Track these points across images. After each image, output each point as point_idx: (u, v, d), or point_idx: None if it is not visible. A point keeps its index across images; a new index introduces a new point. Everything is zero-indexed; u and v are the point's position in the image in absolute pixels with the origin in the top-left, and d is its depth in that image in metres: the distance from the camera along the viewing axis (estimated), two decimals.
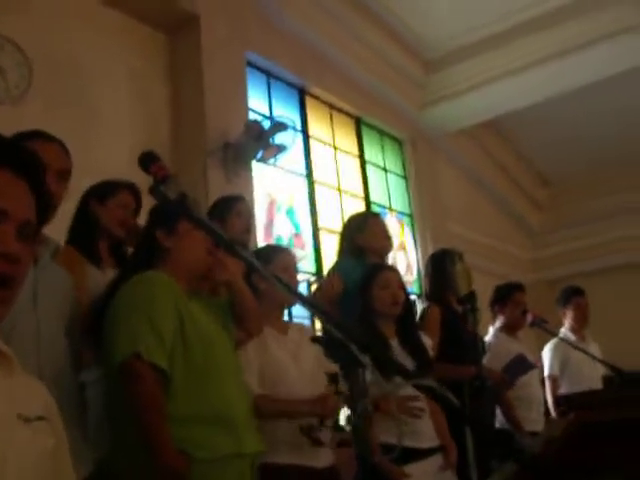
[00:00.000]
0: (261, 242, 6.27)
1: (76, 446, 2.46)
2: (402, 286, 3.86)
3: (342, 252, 4.62)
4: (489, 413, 3.81)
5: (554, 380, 5.81)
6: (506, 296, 5.34)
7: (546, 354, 5.87)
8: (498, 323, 5.34)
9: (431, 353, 3.92)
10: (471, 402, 3.79)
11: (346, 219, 4.96)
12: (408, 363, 3.66)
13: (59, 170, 2.61)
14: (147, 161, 2.06)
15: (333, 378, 1.86)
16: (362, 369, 1.42)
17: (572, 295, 6.11)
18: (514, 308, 5.28)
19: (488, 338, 5.15)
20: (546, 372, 5.81)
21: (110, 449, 2.60)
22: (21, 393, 1.42)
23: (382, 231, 4.57)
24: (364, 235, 4.46)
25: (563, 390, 5.82)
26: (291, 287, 1.55)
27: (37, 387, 1.53)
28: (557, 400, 5.74)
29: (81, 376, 2.72)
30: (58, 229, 2.89)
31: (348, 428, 3.10)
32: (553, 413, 5.88)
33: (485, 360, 4.37)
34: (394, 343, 3.74)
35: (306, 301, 1.55)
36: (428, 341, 3.96)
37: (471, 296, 3.64)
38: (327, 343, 1.42)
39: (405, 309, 3.84)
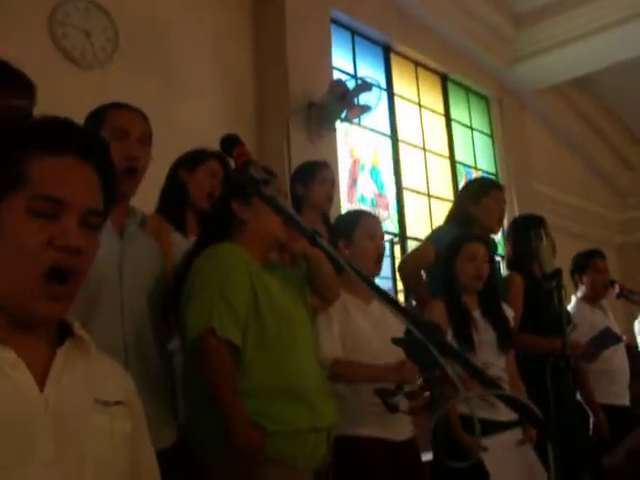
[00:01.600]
0: (344, 202, 6.25)
1: (162, 414, 2.52)
2: (488, 259, 3.78)
3: (451, 218, 4.51)
4: (572, 395, 3.73)
5: None
6: (585, 264, 5.18)
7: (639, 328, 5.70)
8: (580, 293, 5.19)
9: (512, 324, 3.85)
10: (552, 382, 3.72)
11: (467, 181, 4.80)
12: (490, 335, 3.62)
13: (140, 135, 2.61)
14: (229, 144, 2.05)
15: (398, 342, 1.83)
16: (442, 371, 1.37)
17: None
18: (594, 275, 5.13)
19: (570, 308, 5.01)
20: None
21: (188, 418, 2.64)
22: (99, 378, 1.44)
23: (499, 209, 4.41)
24: (479, 206, 4.32)
25: None
26: (368, 279, 1.51)
27: (116, 371, 1.56)
28: None
29: (170, 345, 2.75)
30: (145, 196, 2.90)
31: (425, 396, 3.08)
32: None
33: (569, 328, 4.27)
34: (476, 314, 3.69)
35: (383, 297, 1.50)
36: (510, 312, 3.89)
37: (557, 273, 3.53)
38: (408, 344, 1.38)
39: (489, 281, 3.76)
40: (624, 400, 4.95)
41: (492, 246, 4.34)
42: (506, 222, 8.55)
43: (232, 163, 2.12)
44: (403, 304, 3.46)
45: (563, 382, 3.50)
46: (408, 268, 4.27)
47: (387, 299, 1.51)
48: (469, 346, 3.50)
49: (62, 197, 1.32)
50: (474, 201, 4.34)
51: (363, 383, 3.05)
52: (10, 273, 1.31)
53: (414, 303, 4.28)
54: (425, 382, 2.79)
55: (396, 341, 1.54)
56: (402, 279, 4.38)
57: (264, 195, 1.80)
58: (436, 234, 4.45)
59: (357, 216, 3.50)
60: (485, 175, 8.67)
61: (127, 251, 2.52)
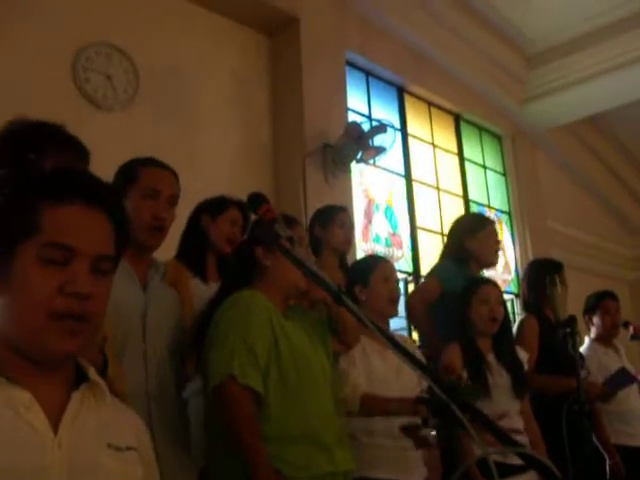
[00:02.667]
0: (359, 241, 6.31)
1: (182, 459, 2.58)
2: (502, 302, 3.83)
3: (446, 253, 4.52)
4: (588, 438, 3.74)
5: None
6: (596, 305, 5.19)
7: None
8: (592, 334, 5.21)
9: (526, 367, 3.89)
10: (568, 426, 3.73)
11: (459, 217, 4.82)
12: (505, 379, 3.66)
13: (170, 196, 2.72)
14: (256, 202, 2.13)
15: (422, 402, 1.88)
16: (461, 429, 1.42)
17: None
18: (605, 317, 5.13)
19: (583, 349, 5.01)
20: None
21: (209, 463, 2.68)
22: (112, 423, 1.46)
23: (494, 242, 4.43)
24: (474, 241, 4.33)
25: None
26: (389, 335, 1.57)
27: (129, 416, 1.58)
28: None
29: (184, 392, 2.81)
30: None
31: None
32: None
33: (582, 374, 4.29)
34: (490, 358, 3.74)
35: (400, 349, 1.56)
36: (524, 355, 3.93)
37: (571, 320, 3.57)
38: (431, 403, 1.43)
39: (503, 325, 3.81)
40: (639, 441, 4.95)
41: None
42: (516, 259, 8.68)
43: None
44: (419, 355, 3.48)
45: (578, 426, 3.52)
46: (415, 303, 4.28)
47: (408, 355, 1.56)
48: (484, 390, 3.53)
49: (72, 244, 1.35)
50: (470, 235, 4.35)
51: (377, 423, 3.08)
52: (23, 318, 1.33)
53: (417, 338, 4.31)
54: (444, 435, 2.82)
55: (421, 400, 1.59)
56: (409, 314, 4.37)
57: (289, 253, 1.86)
58: (439, 269, 4.48)
59: (372, 262, 3.58)
60: (499, 213, 8.73)
61: (150, 303, 2.62)
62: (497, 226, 4.66)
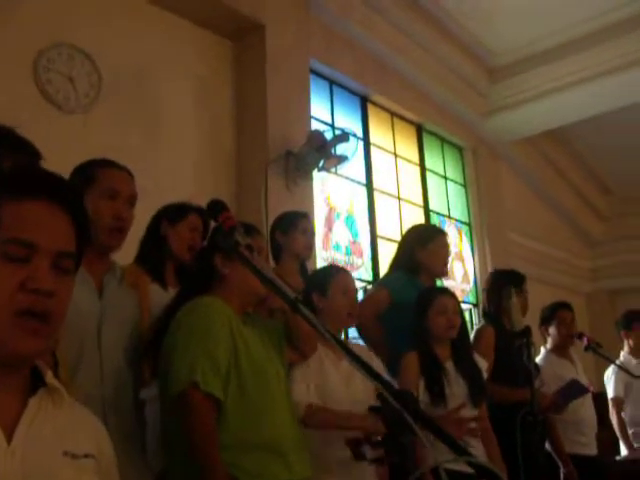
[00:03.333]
0: (320, 249, 6.32)
1: (136, 464, 2.57)
2: (458, 311, 3.86)
3: (396, 264, 4.52)
4: (541, 447, 3.80)
5: (618, 403, 5.75)
6: (551, 316, 5.29)
7: (609, 377, 5.79)
8: (548, 344, 5.30)
9: (485, 375, 3.92)
10: (522, 434, 3.78)
11: (409, 228, 4.83)
12: (462, 387, 3.69)
13: (129, 197, 2.72)
14: (215, 209, 2.14)
15: (375, 410, 1.89)
16: (413, 437, 1.44)
17: (635, 321, 6.01)
18: (560, 327, 5.22)
19: (538, 359, 5.09)
20: (610, 394, 5.72)
21: (166, 468, 2.67)
22: (70, 429, 1.44)
23: (445, 254, 4.44)
24: (425, 252, 4.34)
25: (628, 413, 5.76)
26: (345, 344, 1.59)
27: (90, 421, 1.55)
28: (622, 422, 5.69)
29: (141, 394, 2.80)
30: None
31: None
32: (619, 434, 5.82)
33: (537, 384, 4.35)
34: (449, 365, 3.76)
35: (356, 360, 1.58)
36: (483, 363, 3.96)
37: (526, 331, 3.62)
38: (384, 412, 1.45)
39: (460, 333, 3.84)
40: (592, 450, 5.02)
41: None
42: (475, 269, 8.75)
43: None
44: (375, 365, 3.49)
45: (532, 435, 3.56)
46: (365, 313, 4.16)
47: (362, 363, 1.57)
48: (441, 399, 3.56)
49: (33, 240, 1.33)
50: (420, 246, 4.36)
51: (333, 432, 3.09)
52: None
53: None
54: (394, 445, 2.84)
55: (373, 409, 1.61)
56: (358, 324, 4.24)
57: (248, 261, 1.87)
58: (387, 279, 4.51)
59: (331, 272, 3.57)
60: (458, 224, 8.81)
61: (106, 310, 2.62)
62: (448, 237, 4.66)
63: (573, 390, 4.52)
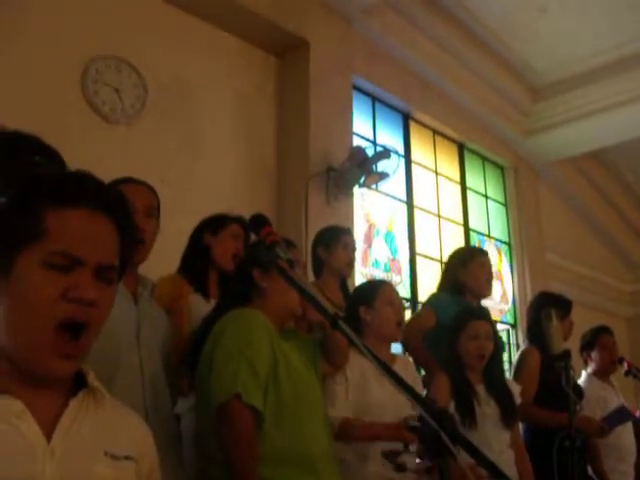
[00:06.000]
0: (359, 265, 6.31)
1: (177, 473, 2.58)
2: (491, 336, 3.84)
3: (442, 285, 4.57)
4: (578, 471, 3.75)
5: None
6: (592, 341, 5.24)
7: None
8: (589, 368, 5.24)
9: (518, 399, 3.89)
10: (559, 460, 3.74)
11: (453, 250, 4.86)
12: (492, 409, 3.68)
13: (145, 207, 2.73)
14: (258, 224, 2.15)
15: (413, 430, 1.88)
16: (451, 458, 1.43)
17: None
18: (602, 352, 5.18)
19: (581, 382, 5.04)
20: None
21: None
22: (112, 430, 1.44)
23: (485, 273, 4.46)
24: (466, 272, 4.39)
25: None
26: (386, 365, 1.59)
27: (132, 424, 1.56)
28: None
29: (176, 408, 2.81)
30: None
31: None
32: None
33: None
34: (479, 389, 3.75)
35: (398, 381, 1.57)
36: (516, 387, 3.94)
37: (565, 354, 3.59)
38: (422, 431, 1.45)
39: (492, 357, 3.82)
40: (630, 478, 4.94)
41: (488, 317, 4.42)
42: (513, 289, 8.68)
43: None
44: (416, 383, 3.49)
45: (569, 460, 3.53)
46: (411, 332, 4.23)
47: (401, 382, 1.57)
48: (471, 420, 3.54)
49: (77, 253, 1.33)
50: (462, 267, 4.42)
51: (368, 444, 3.08)
52: (23, 325, 1.32)
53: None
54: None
55: (412, 428, 1.60)
56: (404, 342, 4.34)
57: (288, 275, 1.87)
58: (434, 300, 4.52)
59: (377, 284, 3.61)
60: (498, 243, 8.75)
61: (142, 317, 2.63)
62: (489, 257, 4.67)
63: (621, 415, 4.48)
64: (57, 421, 1.35)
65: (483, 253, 4.68)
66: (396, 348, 5.56)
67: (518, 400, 3.87)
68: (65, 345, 1.32)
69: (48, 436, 1.32)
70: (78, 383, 1.43)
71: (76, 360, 1.36)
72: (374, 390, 3.19)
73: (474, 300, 4.39)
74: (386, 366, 1.61)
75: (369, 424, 3.07)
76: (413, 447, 2.93)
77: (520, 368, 4.43)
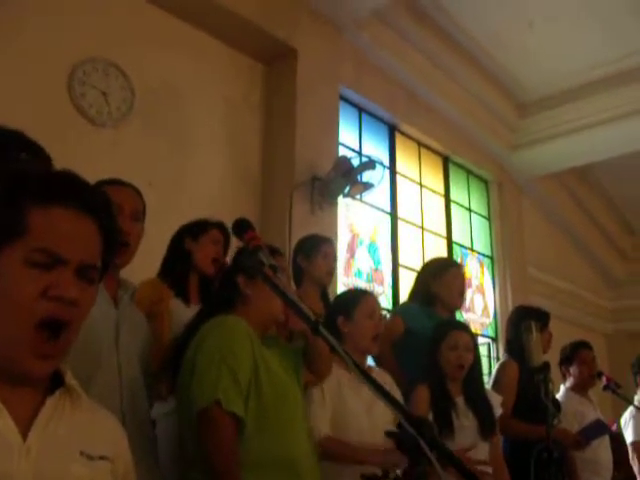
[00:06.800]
0: (341, 275, 6.33)
1: (154, 472, 2.58)
2: (471, 347, 3.85)
3: (413, 294, 4.57)
4: None
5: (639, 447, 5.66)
6: (572, 355, 5.28)
7: (628, 420, 5.70)
8: (568, 383, 5.27)
9: (498, 410, 3.90)
10: (536, 471, 3.75)
11: (426, 262, 4.88)
12: (471, 420, 3.69)
13: (131, 211, 2.72)
14: (241, 228, 2.16)
15: (391, 436, 1.89)
16: (428, 464, 1.44)
17: None
18: (581, 366, 5.21)
19: (559, 396, 5.07)
20: (630, 438, 5.61)
21: None
22: (88, 430, 1.45)
23: (458, 285, 4.46)
24: (439, 283, 4.39)
25: None
26: (364, 370, 1.59)
27: (108, 425, 1.56)
28: None
29: (153, 412, 2.81)
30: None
31: None
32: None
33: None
34: (459, 400, 3.76)
35: (377, 388, 1.58)
36: (497, 398, 3.95)
37: (544, 367, 3.62)
38: (400, 437, 1.45)
39: (472, 368, 3.84)
40: None
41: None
42: (495, 303, 8.71)
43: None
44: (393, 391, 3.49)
45: (546, 472, 3.54)
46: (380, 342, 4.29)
47: (381, 391, 1.58)
48: (449, 431, 3.55)
49: (60, 252, 1.33)
50: (434, 278, 4.41)
51: (349, 465, 3.07)
52: (2, 322, 1.31)
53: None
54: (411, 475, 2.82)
55: (389, 434, 1.61)
56: None
57: (271, 281, 1.88)
58: (402, 309, 4.56)
59: (358, 295, 3.58)
60: (480, 257, 8.78)
61: (122, 320, 2.61)
62: (463, 269, 4.70)
63: (597, 429, 4.52)
64: (33, 419, 1.35)
65: (457, 265, 4.72)
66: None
67: (499, 411, 3.89)
68: (43, 345, 1.32)
69: (24, 434, 1.32)
70: (55, 381, 1.43)
71: (54, 360, 1.36)
72: (349, 400, 3.20)
73: (445, 312, 4.38)
74: (366, 373, 1.62)
75: (352, 446, 3.07)
76: (393, 474, 2.93)
77: (498, 380, 4.46)
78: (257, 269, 1.99)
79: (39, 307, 1.31)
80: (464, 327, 4.00)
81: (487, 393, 3.96)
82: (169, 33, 5.54)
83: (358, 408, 3.19)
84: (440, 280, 4.40)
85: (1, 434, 1.29)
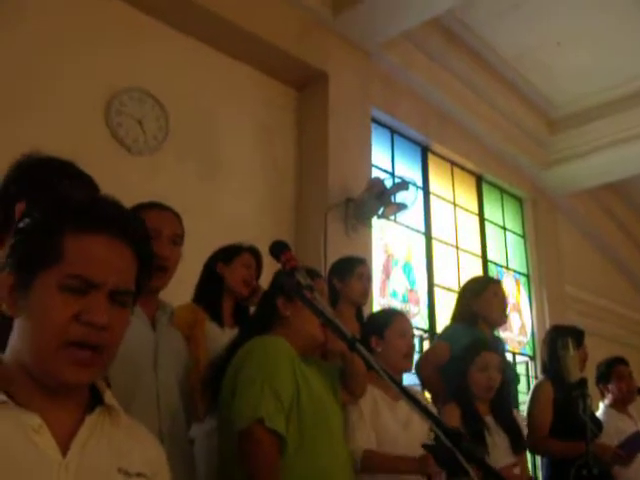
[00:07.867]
0: (377, 296, 6.34)
1: None
2: (500, 368, 3.88)
3: (456, 316, 4.59)
4: None
5: None
6: (608, 372, 5.22)
7: None
8: (607, 400, 5.22)
9: (525, 429, 3.92)
10: None
11: (466, 281, 4.88)
12: (501, 438, 3.73)
13: (171, 235, 2.73)
14: (278, 249, 2.19)
15: (428, 448, 1.91)
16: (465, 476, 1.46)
17: None
18: (619, 382, 5.15)
19: (599, 414, 5.02)
20: None
21: None
22: (126, 447, 1.47)
23: (499, 301, 4.48)
24: (479, 301, 4.41)
25: None
26: (402, 384, 1.62)
27: (147, 443, 1.57)
28: None
29: (190, 432, 2.84)
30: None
31: None
32: None
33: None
34: (488, 419, 3.79)
35: (414, 401, 1.61)
36: (521, 416, 4.03)
37: (582, 383, 3.61)
38: (436, 450, 1.48)
39: (500, 388, 3.87)
40: None
41: (502, 347, 4.43)
42: (532, 321, 8.66)
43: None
44: (430, 406, 3.52)
45: None
46: (426, 366, 4.34)
47: (418, 404, 1.60)
48: (483, 448, 3.56)
49: (92, 277, 1.36)
50: (474, 297, 4.44)
51: (389, 474, 3.10)
52: (37, 344, 1.35)
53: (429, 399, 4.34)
54: None
55: (426, 447, 1.64)
56: (419, 376, 4.41)
57: (308, 301, 1.91)
58: (448, 333, 4.54)
59: (390, 315, 3.64)
60: (515, 275, 8.75)
61: (160, 343, 2.64)
62: (502, 286, 4.72)
63: (638, 442, 4.44)
64: (73, 436, 1.37)
65: (496, 282, 4.71)
66: (412, 380, 5.61)
67: (525, 430, 3.91)
68: (78, 352, 1.35)
69: (63, 451, 1.34)
70: (94, 400, 1.46)
71: (88, 370, 1.38)
72: (386, 417, 3.23)
73: (488, 329, 4.40)
74: (403, 387, 1.64)
75: (392, 457, 3.10)
76: None
77: (534, 401, 4.44)
78: (295, 290, 2.02)
79: (71, 330, 1.34)
80: (494, 347, 4.02)
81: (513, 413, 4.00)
82: (202, 61, 5.63)
83: (395, 425, 3.22)
84: (480, 298, 4.43)
85: (41, 450, 1.32)
